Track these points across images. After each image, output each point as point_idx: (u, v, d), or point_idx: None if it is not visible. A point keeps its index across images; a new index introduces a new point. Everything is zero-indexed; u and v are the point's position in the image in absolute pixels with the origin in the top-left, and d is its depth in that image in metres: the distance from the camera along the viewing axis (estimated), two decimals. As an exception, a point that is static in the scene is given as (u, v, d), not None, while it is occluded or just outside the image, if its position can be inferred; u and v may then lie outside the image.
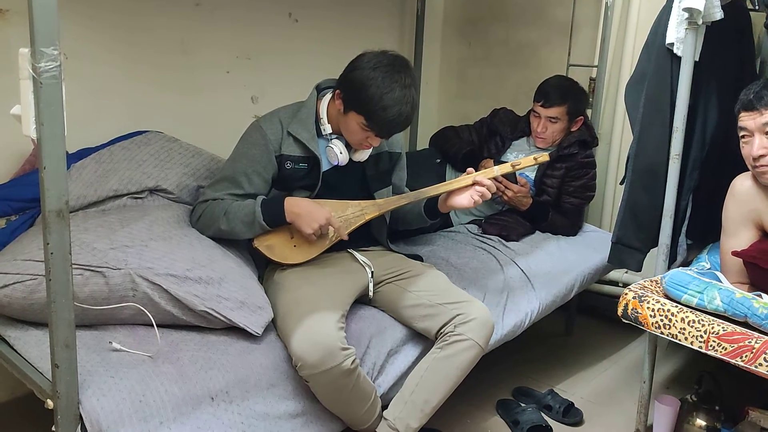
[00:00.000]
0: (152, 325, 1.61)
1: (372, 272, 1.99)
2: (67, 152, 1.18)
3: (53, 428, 1.34)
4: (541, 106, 2.63)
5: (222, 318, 1.67)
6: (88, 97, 2.17)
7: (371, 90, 1.79)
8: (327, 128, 1.96)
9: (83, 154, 2.06)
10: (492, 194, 1.96)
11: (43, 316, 1.55)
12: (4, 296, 1.55)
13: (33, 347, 1.54)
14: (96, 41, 2.18)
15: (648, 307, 1.90)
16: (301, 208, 1.88)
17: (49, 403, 1.34)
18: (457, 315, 1.85)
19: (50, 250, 1.20)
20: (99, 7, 2.18)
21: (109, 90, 2.26)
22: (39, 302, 1.55)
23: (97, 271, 1.59)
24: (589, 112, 2.87)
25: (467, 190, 1.96)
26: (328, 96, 1.98)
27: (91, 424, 1.34)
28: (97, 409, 1.36)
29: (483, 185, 1.92)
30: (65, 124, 1.16)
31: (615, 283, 3.09)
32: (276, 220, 1.88)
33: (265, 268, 2.00)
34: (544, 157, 2.08)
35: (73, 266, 1.26)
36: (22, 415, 2.12)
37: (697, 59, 1.96)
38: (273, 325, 1.77)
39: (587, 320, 3.12)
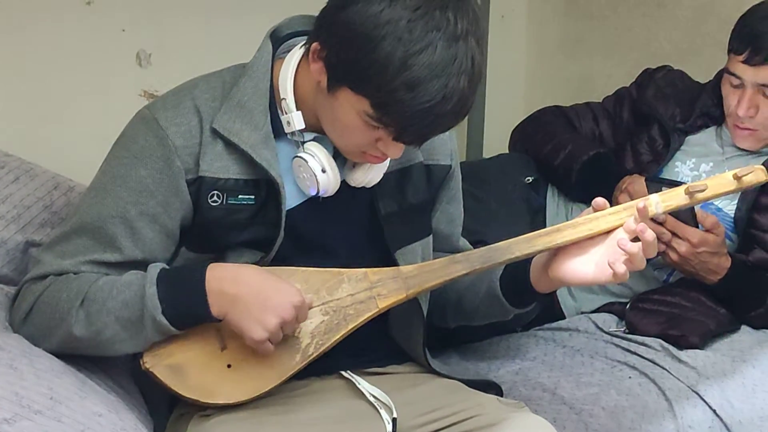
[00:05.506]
0: None
1: (394, 419, 1.32)
2: None
3: None
4: (744, 62, 1.78)
5: None
6: None
7: (384, 46, 1.17)
8: (294, 120, 1.26)
9: None
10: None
11: None
12: None
13: None
14: None
15: None
16: (245, 286, 1.27)
17: None
18: None
19: None
20: None
21: None
22: None
23: None
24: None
25: (596, 244, 1.24)
26: (298, 55, 1.28)
27: None
28: None
29: (631, 233, 1.22)
30: None
31: None
32: (190, 314, 1.24)
33: (168, 413, 1.34)
34: (759, 174, 1.27)
35: None
36: None
37: None
38: None
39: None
